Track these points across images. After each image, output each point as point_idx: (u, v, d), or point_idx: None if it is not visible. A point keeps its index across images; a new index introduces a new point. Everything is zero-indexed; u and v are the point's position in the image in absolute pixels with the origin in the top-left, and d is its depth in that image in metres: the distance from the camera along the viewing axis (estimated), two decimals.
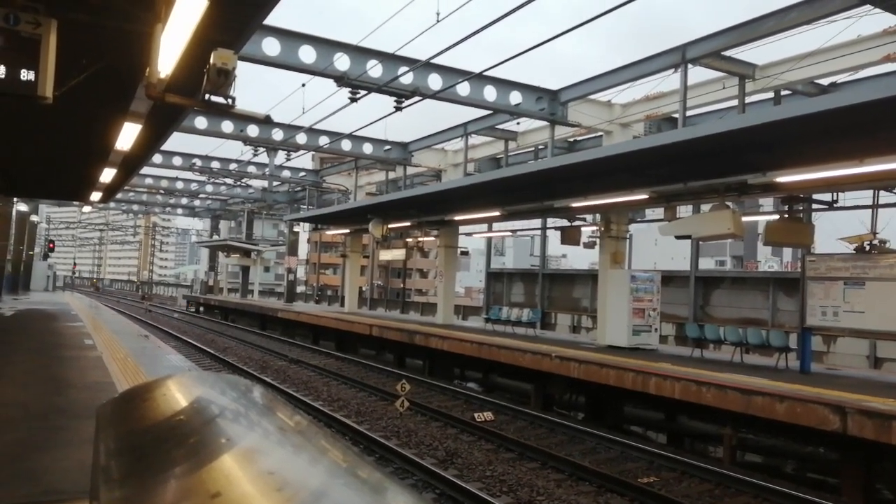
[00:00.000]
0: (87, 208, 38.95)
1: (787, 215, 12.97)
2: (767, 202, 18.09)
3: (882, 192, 12.68)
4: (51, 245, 47.16)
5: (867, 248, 11.01)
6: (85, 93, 7.69)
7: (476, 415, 11.86)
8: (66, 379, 8.27)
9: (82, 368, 9.18)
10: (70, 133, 12.44)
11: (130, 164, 15.97)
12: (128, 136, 10.79)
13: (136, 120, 9.95)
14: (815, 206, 13.51)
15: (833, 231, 13.55)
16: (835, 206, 13.01)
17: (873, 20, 12.51)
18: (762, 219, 15.61)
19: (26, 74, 5.50)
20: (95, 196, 22.17)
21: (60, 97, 6.29)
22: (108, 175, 15.93)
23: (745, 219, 13.49)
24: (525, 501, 7.55)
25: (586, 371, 11.87)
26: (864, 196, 13.35)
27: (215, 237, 50.94)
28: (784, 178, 10.82)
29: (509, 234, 28.17)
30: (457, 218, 19.85)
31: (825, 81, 15.31)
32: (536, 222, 22.05)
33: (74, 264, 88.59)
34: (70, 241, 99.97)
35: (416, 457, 8.91)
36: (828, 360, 14.68)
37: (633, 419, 13.28)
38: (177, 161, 29.38)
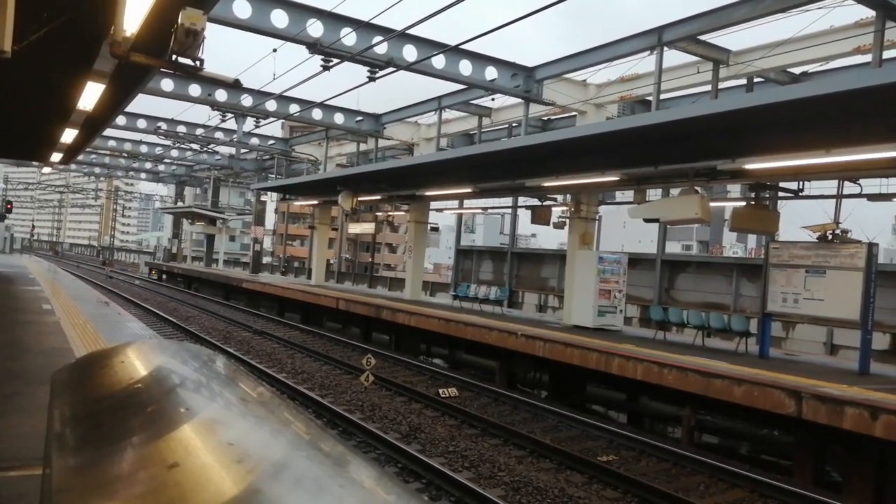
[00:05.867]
0: (46, 169, 37.93)
1: (753, 202, 13.17)
2: (735, 188, 18.34)
3: (846, 183, 12.93)
4: (8, 206, 45.68)
5: (829, 237, 11.23)
6: (46, 49, 7.41)
7: (441, 390, 11.92)
8: (22, 344, 8.08)
9: (39, 333, 8.98)
10: (30, 90, 12.00)
11: (93, 125, 15.48)
12: (91, 95, 10.44)
13: (100, 79, 9.62)
14: (781, 194, 13.72)
15: (797, 219, 13.82)
16: (800, 194, 13.23)
17: (846, 11, 12.66)
18: (729, 205, 15.85)
19: None
20: (56, 157, 21.52)
21: (19, 52, 6.04)
22: (69, 135, 15.46)
23: (712, 204, 13.67)
24: (486, 476, 7.62)
25: (551, 350, 11.99)
26: (829, 185, 13.61)
27: (180, 204, 50.07)
28: (752, 165, 10.98)
29: (480, 211, 28.15)
30: (428, 193, 19.77)
31: (797, 70, 15.49)
32: (507, 200, 22.08)
33: (33, 226, 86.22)
34: (29, 203, 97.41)
35: (379, 431, 8.94)
36: (786, 345, 15.04)
37: (595, 398, 13.49)
38: (141, 124, 28.63)
